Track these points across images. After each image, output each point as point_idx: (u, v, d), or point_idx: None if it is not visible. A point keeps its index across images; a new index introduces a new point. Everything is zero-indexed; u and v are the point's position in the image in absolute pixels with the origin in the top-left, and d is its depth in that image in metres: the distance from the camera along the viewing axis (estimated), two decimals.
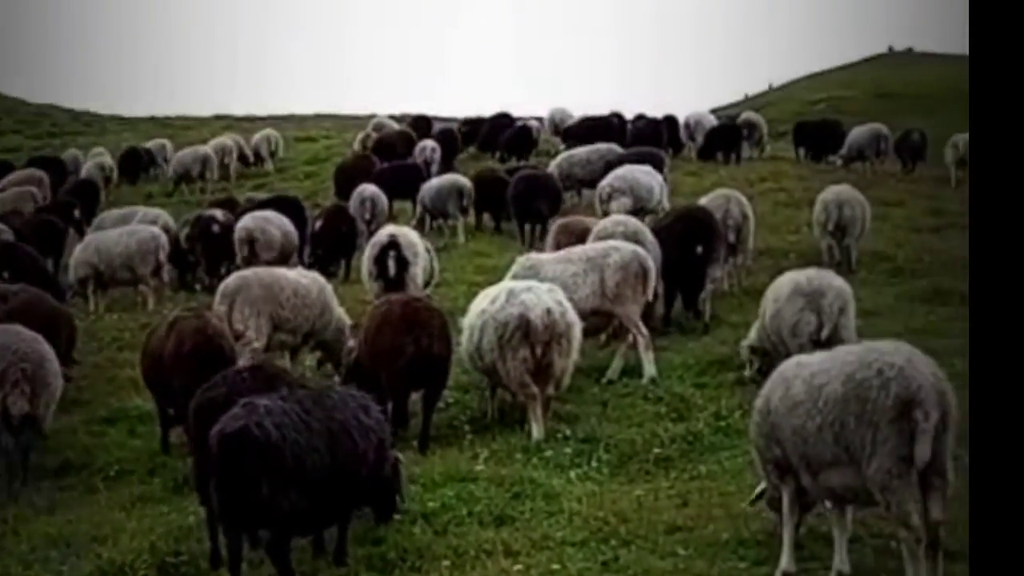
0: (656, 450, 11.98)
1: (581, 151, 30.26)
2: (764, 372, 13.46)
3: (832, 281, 13.34)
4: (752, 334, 14.26)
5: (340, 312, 16.18)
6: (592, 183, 26.60)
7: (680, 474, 11.45)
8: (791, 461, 8.38)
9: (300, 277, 16.18)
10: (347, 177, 30.82)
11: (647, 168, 24.66)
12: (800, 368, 8.41)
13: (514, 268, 15.39)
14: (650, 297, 15.23)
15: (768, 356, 13.69)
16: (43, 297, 16.25)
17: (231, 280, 15.80)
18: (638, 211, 22.10)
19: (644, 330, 14.92)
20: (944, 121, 43.77)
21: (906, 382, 7.51)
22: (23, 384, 12.19)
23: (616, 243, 15.62)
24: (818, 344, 12.62)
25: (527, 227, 25.30)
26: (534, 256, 15.80)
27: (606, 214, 21.99)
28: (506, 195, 25.79)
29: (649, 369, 14.66)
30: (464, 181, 27.19)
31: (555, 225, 20.12)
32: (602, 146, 30.20)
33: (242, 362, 13.31)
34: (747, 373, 14.22)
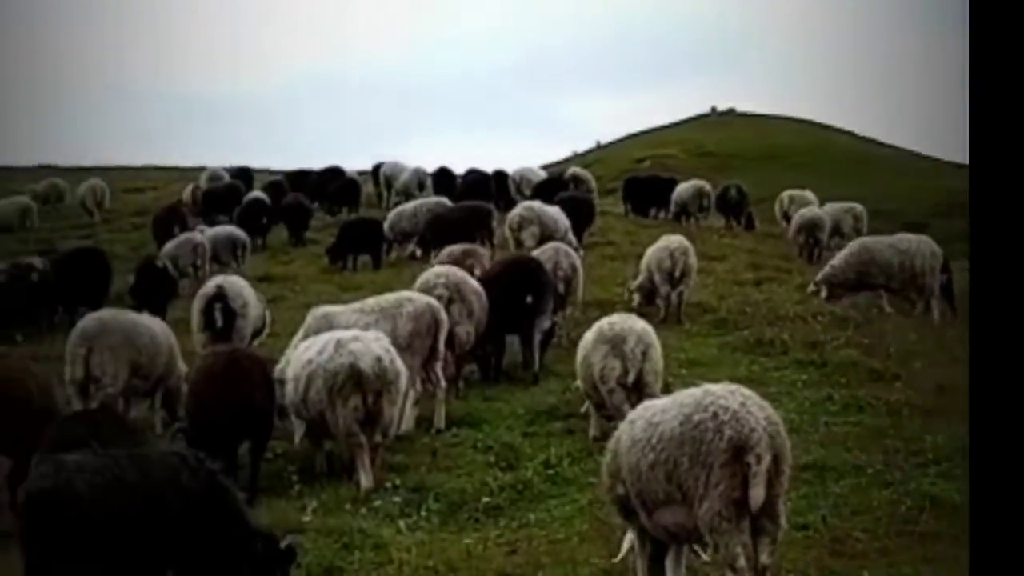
0: (485, 499, 12.00)
1: (408, 205, 31.45)
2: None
3: (634, 325, 13.54)
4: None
5: (180, 359, 15.90)
6: (415, 235, 29.03)
7: (509, 522, 11.48)
8: (630, 499, 8.47)
9: (152, 323, 15.73)
10: (161, 226, 31.63)
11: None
12: (645, 410, 8.54)
13: (308, 319, 15.33)
14: (441, 348, 15.31)
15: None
16: None
17: (89, 323, 15.02)
18: (547, 239, 23.13)
19: (443, 381, 15.17)
20: (763, 178, 45.21)
21: (739, 426, 7.61)
22: None
23: (410, 294, 15.78)
24: (626, 388, 12.97)
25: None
26: (326, 307, 15.75)
27: (517, 242, 24.56)
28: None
29: (438, 421, 14.88)
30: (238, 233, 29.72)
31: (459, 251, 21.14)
32: (430, 200, 31.15)
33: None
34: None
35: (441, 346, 15.28)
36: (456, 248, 21.56)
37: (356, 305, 15.63)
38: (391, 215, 31.11)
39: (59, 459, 8.13)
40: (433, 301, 15.49)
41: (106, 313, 15.70)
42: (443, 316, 15.33)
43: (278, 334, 19.66)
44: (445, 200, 31.28)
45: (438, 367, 15.21)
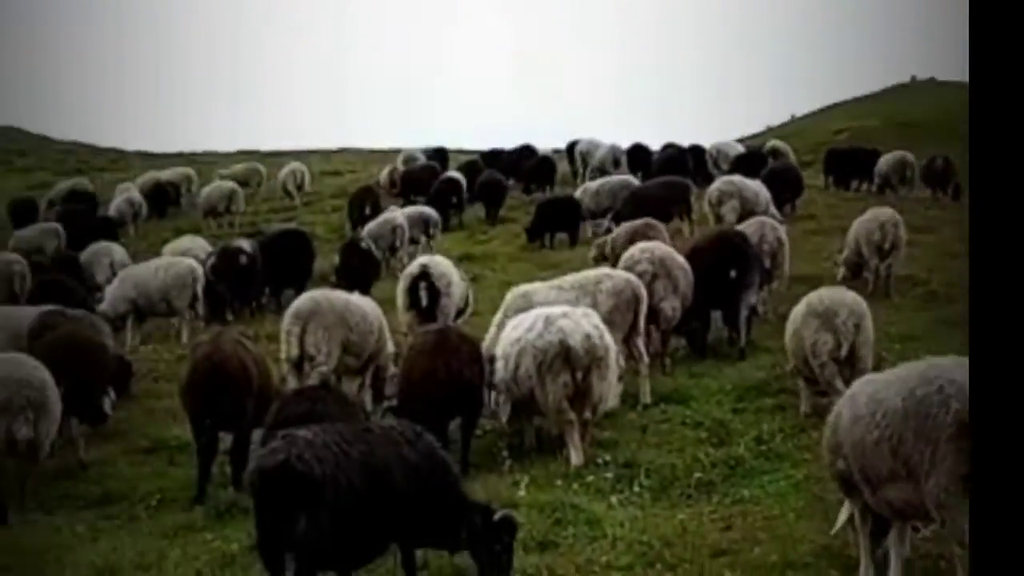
0: (697, 475, 11.88)
1: (592, 184, 31.88)
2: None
3: (844, 298, 13.30)
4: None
5: (389, 339, 16.19)
6: (602, 213, 29.39)
7: (723, 498, 11.35)
8: (852, 475, 8.30)
9: (362, 302, 15.99)
10: (356, 208, 33.02)
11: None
12: (867, 385, 8.37)
13: (507, 298, 15.47)
14: (642, 323, 15.27)
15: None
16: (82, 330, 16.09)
17: (303, 302, 15.39)
18: (747, 214, 23.08)
19: (646, 356, 15.13)
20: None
21: (967, 399, 7.32)
22: (27, 411, 12.12)
23: (609, 270, 15.89)
24: (839, 363, 12.71)
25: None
26: (525, 286, 15.85)
27: (717, 217, 24.65)
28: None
29: (644, 396, 14.76)
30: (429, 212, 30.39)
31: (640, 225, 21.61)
32: (615, 179, 31.34)
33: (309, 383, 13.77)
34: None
35: (642, 321, 15.24)
36: (637, 223, 21.55)
37: (555, 282, 15.71)
38: (576, 194, 31.34)
39: (289, 434, 8.29)
40: (632, 276, 15.45)
41: (319, 293, 16.05)
42: (643, 291, 15.27)
43: (480, 312, 19.82)
44: (631, 178, 31.55)
45: (640, 342, 15.19)
